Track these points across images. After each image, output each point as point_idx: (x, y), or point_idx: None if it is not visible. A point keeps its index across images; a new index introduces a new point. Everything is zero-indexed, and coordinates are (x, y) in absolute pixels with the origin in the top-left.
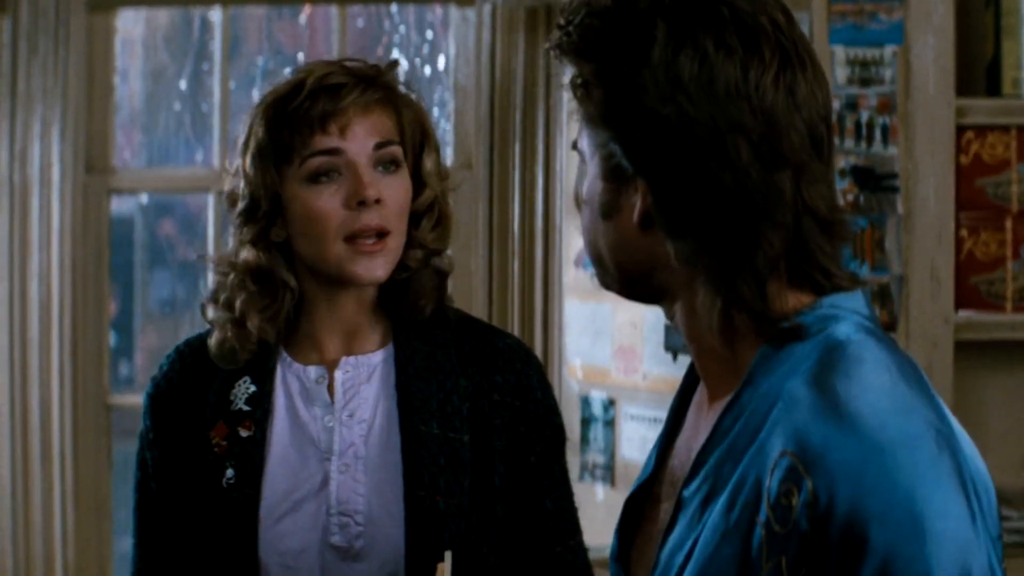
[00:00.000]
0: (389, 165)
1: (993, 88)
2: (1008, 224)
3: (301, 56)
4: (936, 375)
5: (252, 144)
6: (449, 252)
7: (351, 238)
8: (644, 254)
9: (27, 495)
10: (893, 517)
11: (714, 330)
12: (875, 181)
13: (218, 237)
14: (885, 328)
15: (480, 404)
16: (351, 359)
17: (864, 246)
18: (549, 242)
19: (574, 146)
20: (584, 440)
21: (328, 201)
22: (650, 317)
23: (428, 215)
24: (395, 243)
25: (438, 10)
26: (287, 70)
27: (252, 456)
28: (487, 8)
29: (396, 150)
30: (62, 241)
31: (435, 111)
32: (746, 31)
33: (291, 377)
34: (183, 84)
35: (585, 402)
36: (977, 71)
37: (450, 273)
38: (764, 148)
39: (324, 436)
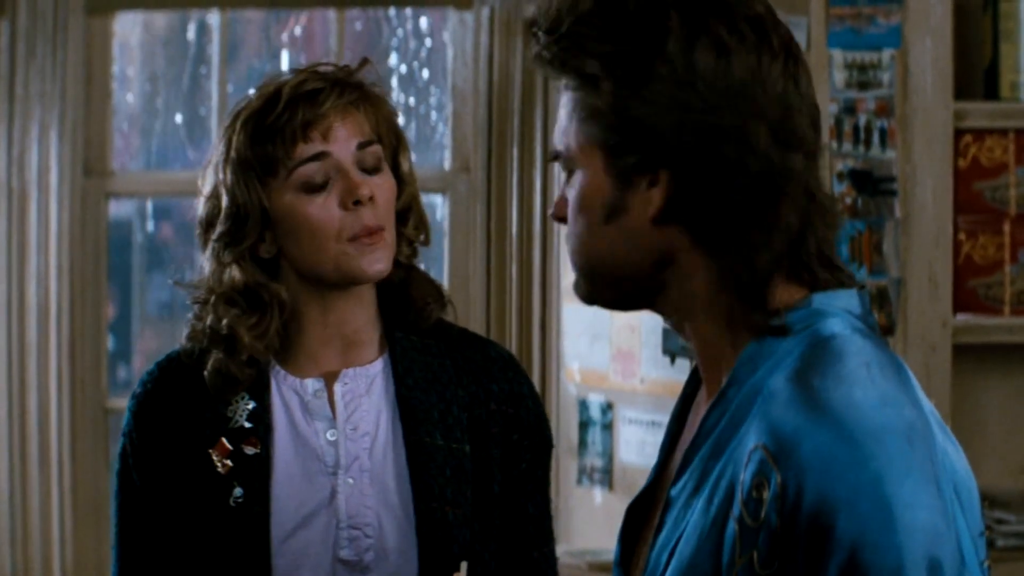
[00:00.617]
0: (372, 169)
1: (991, 92)
2: (1006, 227)
3: (301, 58)
4: (934, 379)
5: (233, 160)
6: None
7: (351, 239)
8: (652, 252)
9: (25, 498)
10: (861, 507)
11: (715, 322)
12: (873, 184)
13: None
14: (883, 332)
15: (478, 414)
16: (350, 371)
17: (862, 249)
18: (547, 245)
19: (555, 157)
20: (582, 444)
21: (324, 207)
22: (648, 321)
23: (411, 213)
24: (391, 238)
25: (436, 14)
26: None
27: (259, 473)
28: (485, 12)
29: (377, 149)
30: (60, 244)
31: (433, 115)
32: (753, 21)
33: (288, 391)
34: (181, 88)
35: (583, 406)
36: (975, 75)
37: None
38: (781, 132)
39: (328, 450)
